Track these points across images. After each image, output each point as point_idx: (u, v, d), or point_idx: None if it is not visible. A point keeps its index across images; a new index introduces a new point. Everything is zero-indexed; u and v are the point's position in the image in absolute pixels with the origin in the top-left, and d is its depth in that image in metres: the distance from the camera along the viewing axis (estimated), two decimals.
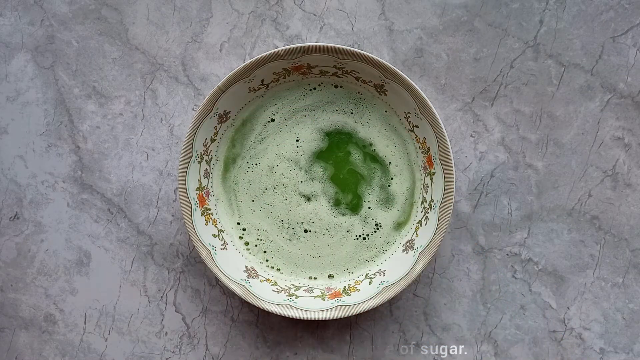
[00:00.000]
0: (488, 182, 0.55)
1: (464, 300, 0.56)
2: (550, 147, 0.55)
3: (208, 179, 0.54)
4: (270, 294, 0.52)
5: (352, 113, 0.55)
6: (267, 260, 0.55)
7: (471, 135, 0.55)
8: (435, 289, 0.56)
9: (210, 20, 0.56)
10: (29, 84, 0.57)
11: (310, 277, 0.55)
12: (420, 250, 0.51)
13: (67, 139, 0.57)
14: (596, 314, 0.55)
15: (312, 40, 0.56)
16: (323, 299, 0.53)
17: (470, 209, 0.55)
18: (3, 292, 0.57)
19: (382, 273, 0.53)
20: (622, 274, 0.55)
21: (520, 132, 0.55)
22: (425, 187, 0.53)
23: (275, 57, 0.50)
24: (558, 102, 0.55)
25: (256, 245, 0.55)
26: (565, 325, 0.55)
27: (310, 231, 0.55)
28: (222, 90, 0.51)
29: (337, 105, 0.55)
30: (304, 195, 0.55)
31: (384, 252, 0.54)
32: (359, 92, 0.54)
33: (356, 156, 0.54)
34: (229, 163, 0.55)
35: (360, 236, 0.55)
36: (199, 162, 0.53)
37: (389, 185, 0.54)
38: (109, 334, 0.57)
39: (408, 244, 0.53)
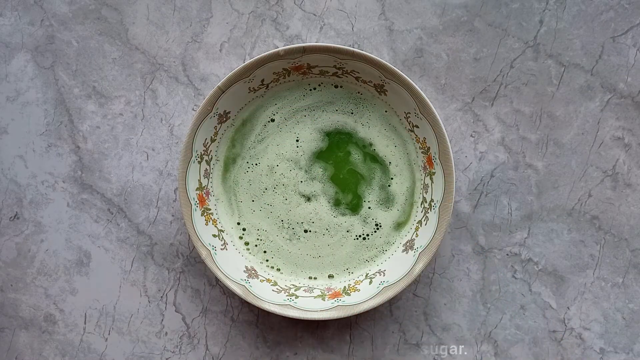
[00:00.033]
0: (488, 182, 0.55)
1: (464, 300, 0.56)
2: (550, 147, 0.55)
3: (208, 179, 0.54)
4: (270, 294, 0.52)
5: (352, 113, 0.55)
6: (267, 260, 0.55)
7: (471, 135, 0.55)
8: (435, 289, 0.56)
9: (210, 20, 0.56)
10: (29, 84, 0.57)
11: (310, 277, 0.55)
12: (420, 250, 0.51)
13: (67, 139, 0.57)
14: (596, 314, 0.55)
15: (312, 40, 0.56)
16: (323, 299, 0.53)
17: (470, 209, 0.55)
18: (3, 292, 0.57)
19: (382, 273, 0.53)
20: (622, 274, 0.55)
21: (520, 132, 0.55)
22: (425, 187, 0.53)
23: (275, 57, 0.50)
24: (558, 102, 0.55)
25: (256, 245, 0.55)
26: (565, 325, 0.55)
27: (310, 231, 0.55)
28: (222, 90, 0.51)
29: (337, 105, 0.55)
30: (304, 195, 0.55)
31: (384, 252, 0.54)
32: (359, 92, 0.54)
33: (356, 156, 0.54)
34: (229, 163, 0.55)
35: (360, 236, 0.55)
36: (199, 162, 0.53)
37: (389, 185, 0.54)
38: (109, 334, 0.57)
39: (408, 244, 0.53)
